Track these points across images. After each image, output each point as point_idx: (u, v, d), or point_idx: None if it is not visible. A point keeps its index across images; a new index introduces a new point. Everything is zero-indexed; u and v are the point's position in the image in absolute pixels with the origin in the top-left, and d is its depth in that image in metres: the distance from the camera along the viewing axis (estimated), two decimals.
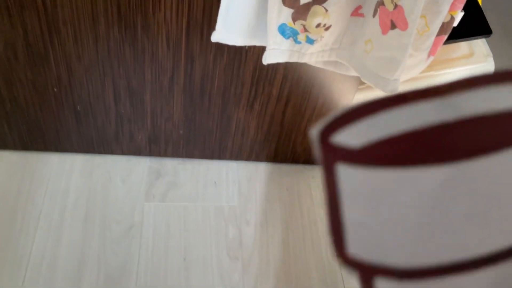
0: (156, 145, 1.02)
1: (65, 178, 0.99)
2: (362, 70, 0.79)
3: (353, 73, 0.82)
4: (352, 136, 0.17)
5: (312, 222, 1.01)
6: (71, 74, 0.87)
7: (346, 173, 0.17)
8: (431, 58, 0.83)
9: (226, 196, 1.02)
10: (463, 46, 1.02)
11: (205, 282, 0.89)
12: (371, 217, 0.19)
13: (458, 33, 1.02)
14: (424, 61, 0.80)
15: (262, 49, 0.77)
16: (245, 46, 0.84)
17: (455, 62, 1.01)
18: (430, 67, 0.96)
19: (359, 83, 0.93)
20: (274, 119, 0.98)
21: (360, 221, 0.19)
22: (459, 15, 0.80)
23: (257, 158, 1.07)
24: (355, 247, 0.20)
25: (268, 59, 0.76)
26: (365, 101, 0.19)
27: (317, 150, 0.20)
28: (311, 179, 1.08)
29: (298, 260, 0.95)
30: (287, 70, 0.89)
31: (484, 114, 0.16)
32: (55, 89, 0.89)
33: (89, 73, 0.87)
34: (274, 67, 0.88)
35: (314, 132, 0.20)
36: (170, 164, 1.05)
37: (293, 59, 0.77)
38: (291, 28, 0.71)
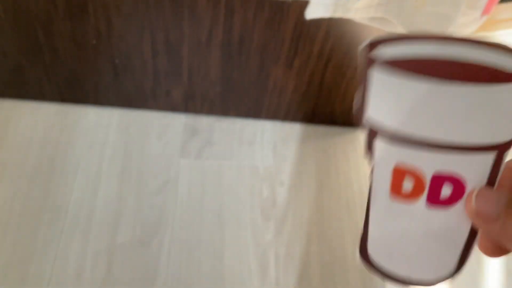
0: (193, 102, 1.02)
1: (103, 132, 0.99)
2: (411, 27, 0.75)
3: (401, 30, 0.78)
4: (387, 52, 0.24)
5: (348, 185, 0.99)
6: (110, 26, 0.86)
7: (377, 74, 0.25)
8: (485, 17, 0.78)
9: (261, 156, 1.01)
10: None
11: (238, 240, 0.89)
12: (383, 97, 0.26)
13: None
14: (477, 20, 0.76)
15: (305, 4, 0.73)
16: (288, 0, 0.81)
17: (510, 23, 0.95)
18: (482, 27, 0.91)
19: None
20: (314, 78, 0.96)
21: (375, 99, 0.26)
22: None
23: (294, 119, 1.05)
24: (369, 111, 0.26)
25: (310, 13, 0.73)
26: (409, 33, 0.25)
27: (360, 57, 0.25)
28: (349, 141, 1.05)
29: (332, 222, 0.94)
30: (330, 26, 0.85)
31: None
32: (94, 41, 0.89)
33: (127, 25, 0.85)
34: (317, 23, 0.84)
35: (365, 42, 0.25)
36: (206, 122, 1.04)
37: (338, 14, 0.74)
38: None
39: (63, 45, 0.90)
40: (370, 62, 0.26)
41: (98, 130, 1.00)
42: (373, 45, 0.26)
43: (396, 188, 0.27)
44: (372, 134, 0.27)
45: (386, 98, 0.26)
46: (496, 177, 0.26)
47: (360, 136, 1.07)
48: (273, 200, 0.95)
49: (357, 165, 1.02)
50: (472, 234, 0.27)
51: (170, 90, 0.99)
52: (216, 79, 0.96)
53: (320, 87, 0.98)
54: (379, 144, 0.27)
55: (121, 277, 0.83)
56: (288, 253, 0.89)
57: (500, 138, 0.25)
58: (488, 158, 0.25)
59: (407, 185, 0.27)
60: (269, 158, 1.01)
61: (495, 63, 0.24)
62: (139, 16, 0.84)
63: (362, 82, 0.26)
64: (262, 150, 1.02)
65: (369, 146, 0.28)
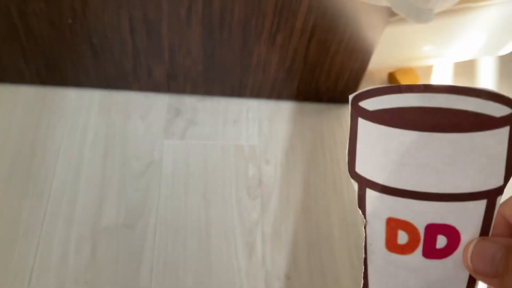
0: (175, 82, 1.00)
1: (84, 114, 0.97)
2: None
3: (384, 3, 0.76)
4: (373, 104, 0.25)
5: (334, 162, 0.98)
6: (85, 5, 0.83)
7: (363, 124, 0.25)
8: None
9: (246, 135, 1.00)
10: None
11: (224, 220, 0.89)
12: (371, 149, 0.26)
13: None
14: None
15: None
16: None
17: None
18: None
19: (390, 15, 0.87)
20: (297, 54, 0.94)
21: (364, 151, 0.26)
22: None
23: (279, 96, 1.04)
24: (358, 166, 0.26)
25: None
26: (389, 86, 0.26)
27: (350, 109, 0.26)
28: (335, 118, 1.04)
29: (318, 200, 0.93)
30: (312, 1, 0.83)
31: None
32: (69, 21, 0.86)
33: (103, 3, 0.83)
34: None
35: (351, 96, 0.27)
36: (189, 101, 1.02)
37: None
38: None
39: (38, 26, 0.87)
40: (357, 113, 0.26)
41: (79, 112, 0.98)
42: (360, 97, 0.26)
43: (391, 241, 0.27)
44: (363, 188, 0.27)
45: (373, 150, 0.26)
46: (490, 224, 0.25)
47: (346, 113, 1.05)
48: (259, 179, 0.94)
49: (344, 143, 1.01)
50: (471, 281, 0.26)
51: (152, 70, 0.97)
52: (198, 57, 0.94)
53: (304, 63, 0.96)
54: (370, 198, 0.27)
55: (106, 260, 0.82)
56: (274, 231, 0.88)
57: (490, 184, 0.25)
58: (480, 206, 0.25)
59: (402, 237, 0.26)
60: (255, 137, 1.00)
61: (480, 109, 0.24)
62: None
63: (351, 134, 0.27)
64: (247, 129, 1.00)
65: (360, 200, 0.27)
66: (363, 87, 1.08)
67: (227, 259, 0.85)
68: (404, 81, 1.09)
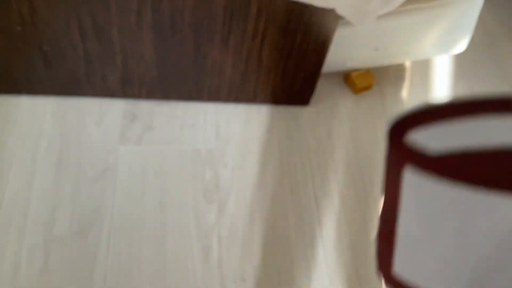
0: (130, 87, 0.99)
1: (38, 121, 0.96)
2: (338, 2, 0.74)
3: (329, 5, 0.77)
4: (431, 139, 0.14)
5: (291, 165, 0.99)
6: (33, 11, 0.82)
7: (414, 180, 0.15)
8: None
9: (203, 139, 1.00)
10: None
11: (180, 224, 0.88)
12: (430, 238, 0.16)
13: None
14: None
15: None
16: None
17: None
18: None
19: (340, 18, 0.88)
20: (251, 57, 0.94)
21: (415, 239, 0.16)
22: None
23: (236, 99, 1.04)
24: (402, 266, 0.17)
25: None
26: (456, 100, 0.15)
27: (387, 147, 0.16)
28: (292, 120, 1.05)
29: (275, 203, 0.94)
30: (261, 4, 0.84)
31: None
32: (18, 28, 0.85)
33: (51, 10, 0.82)
34: (247, 0, 0.83)
35: (387, 126, 0.17)
36: (145, 107, 1.02)
37: None
38: None
39: None
40: (400, 161, 0.16)
41: (32, 120, 0.96)
42: (401, 126, 0.17)
43: None
44: None
45: (437, 237, 0.16)
46: None
47: (303, 114, 1.06)
48: (216, 182, 0.94)
49: (300, 145, 1.02)
50: None
51: (106, 75, 0.96)
52: (152, 62, 0.94)
53: (258, 66, 0.96)
54: None
55: (58, 269, 0.81)
56: (231, 234, 0.89)
57: None
58: None
59: None
60: (212, 140, 1.00)
61: None
62: (63, 0, 0.81)
63: (385, 207, 0.18)
64: (204, 133, 1.01)
65: None
66: (320, 89, 1.09)
67: (183, 263, 0.84)
68: (360, 82, 1.11)
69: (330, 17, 0.87)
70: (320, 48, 0.94)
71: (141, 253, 0.84)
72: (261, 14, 0.86)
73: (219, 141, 1.00)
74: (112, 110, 1.00)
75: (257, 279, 0.85)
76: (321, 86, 1.09)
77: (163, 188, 0.92)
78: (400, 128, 0.17)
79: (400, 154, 0.16)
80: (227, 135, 1.01)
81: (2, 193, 0.87)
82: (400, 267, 0.18)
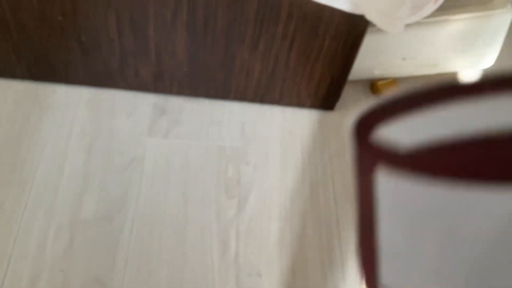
0: (162, 82, 1.03)
1: (72, 109, 1.01)
2: (367, 7, 0.76)
3: (360, 11, 0.79)
4: (402, 133, 0.13)
5: (312, 167, 1.01)
6: (75, 3, 0.87)
7: (388, 182, 0.13)
8: (440, 1, 0.79)
9: (228, 136, 1.02)
10: None
11: (201, 217, 0.91)
12: (416, 245, 0.14)
13: None
14: (432, 2, 0.77)
15: None
16: None
17: (473, 8, 0.96)
18: (444, 10, 0.92)
19: (369, 25, 0.90)
20: (279, 60, 0.97)
21: (399, 247, 0.14)
22: None
23: (262, 100, 1.07)
24: (389, 278, 0.15)
25: None
26: (425, 87, 0.14)
27: (352, 147, 0.15)
28: (316, 124, 1.07)
29: (294, 202, 0.96)
30: (292, 7, 0.86)
31: None
32: (60, 18, 0.90)
33: (92, 2, 0.86)
34: (279, 3, 0.86)
35: (351, 123, 0.15)
36: (175, 102, 1.05)
37: None
38: None
39: (30, 22, 0.91)
40: (372, 160, 0.14)
41: (67, 107, 1.01)
42: (365, 124, 0.15)
43: None
44: None
45: (419, 238, 0.15)
46: None
47: (327, 119, 1.08)
48: (238, 179, 0.97)
49: (322, 148, 1.04)
50: None
51: (139, 70, 1.00)
52: (183, 59, 0.97)
53: (286, 69, 0.99)
54: None
55: (82, 251, 0.84)
56: (249, 230, 0.91)
57: None
58: None
59: None
60: (236, 138, 1.02)
61: None
62: None
63: (361, 210, 0.16)
64: (229, 131, 1.03)
65: None
66: (345, 95, 1.11)
67: (201, 254, 0.87)
68: (386, 92, 1.12)
69: (359, 22, 0.89)
70: (348, 53, 0.96)
71: (161, 242, 0.87)
72: (292, 17, 0.88)
73: (243, 139, 1.02)
74: (143, 103, 1.04)
75: (272, 275, 0.87)
76: (347, 92, 1.11)
77: (187, 181, 0.95)
78: (366, 125, 0.15)
79: (369, 154, 0.14)
80: (251, 134, 1.03)
81: (35, 173, 0.91)
82: (388, 279, 0.16)
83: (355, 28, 0.90)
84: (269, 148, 1.02)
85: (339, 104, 1.09)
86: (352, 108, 1.11)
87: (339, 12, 0.85)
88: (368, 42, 0.98)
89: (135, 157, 0.96)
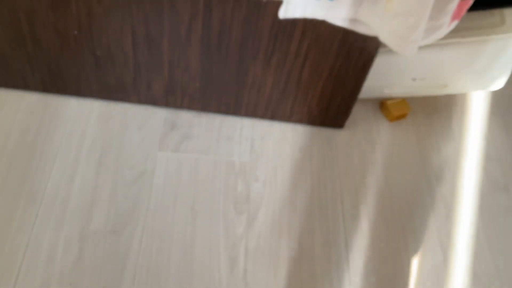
0: (173, 97, 1.03)
1: (83, 122, 1.01)
2: (381, 29, 0.77)
3: (373, 32, 0.80)
4: None
5: (321, 185, 1.01)
6: (91, 18, 0.88)
7: None
8: (455, 23, 0.80)
9: (238, 152, 1.03)
10: (494, 14, 0.98)
11: (210, 232, 0.91)
12: None
13: (490, 1, 0.98)
14: (446, 25, 0.78)
15: (280, 3, 0.75)
16: (262, 0, 0.83)
17: (484, 30, 0.97)
18: (456, 33, 0.93)
19: (380, 45, 0.91)
20: (291, 77, 0.97)
21: None
22: None
23: (272, 117, 1.07)
24: None
25: (283, 13, 0.75)
26: None
27: None
28: (325, 141, 1.07)
29: (303, 220, 0.95)
30: (306, 26, 0.87)
31: None
32: (75, 32, 0.91)
33: (108, 17, 0.87)
34: (293, 22, 0.86)
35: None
36: (185, 116, 1.06)
37: (308, 14, 0.76)
38: None
39: (45, 36, 0.92)
40: None
41: (78, 120, 1.01)
42: None
43: None
44: None
45: None
46: None
47: (337, 137, 1.08)
48: (247, 195, 0.97)
49: (332, 166, 1.04)
50: None
51: (151, 83, 1.01)
52: (196, 74, 0.98)
53: (297, 86, 1.00)
54: None
55: (92, 264, 0.84)
56: (257, 246, 0.91)
57: None
58: None
59: None
60: (246, 154, 1.03)
61: None
62: (119, 9, 0.86)
63: None
64: (239, 146, 1.04)
65: None
66: (355, 114, 1.11)
67: (209, 270, 0.87)
68: (395, 111, 1.12)
69: (371, 43, 0.90)
70: (359, 73, 0.97)
71: (170, 257, 0.87)
72: (305, 36, 0.89)
73: (253, 155, 1.03)
74: (154, 117, 1.04)
75: None
76: (357, 111, 1.11)
77: (196, 196, 0.95)
78: None
79: None
80: (261, 150, 1.04)
81: (45, 185, 0.91)
82: None
83: (367, 48, 0.91)
84: (278, 164, 1.02)
85: (348, 122, 1.10)
86: (362, 126, 1.11)
87: (352, 33, 0.86)
88: (379, 62, 0.99)
89: (144, 171, 0.97)
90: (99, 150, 0.98)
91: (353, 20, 0.80)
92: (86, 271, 0.83)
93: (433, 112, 1.17)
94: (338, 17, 0.79)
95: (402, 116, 1.14)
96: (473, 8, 0.81)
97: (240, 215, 0.94)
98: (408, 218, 0.99)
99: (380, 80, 1.06)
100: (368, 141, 1.09)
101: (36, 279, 0.81)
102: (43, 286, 0.81)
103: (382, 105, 1.14)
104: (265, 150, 1.04)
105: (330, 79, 0.97)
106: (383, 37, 0.78)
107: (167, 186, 0.95)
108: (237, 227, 0.93)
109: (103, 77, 0.99)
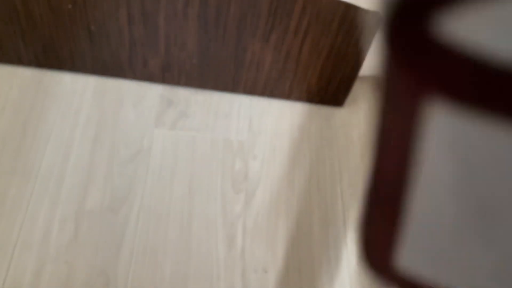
0: (170, 73, 1.01)
1: (78, 98, 0.99)
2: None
3: (376, 6, 0.78)
4: (467, 30, 0.08)
5: (320, 163, 1.00)
6: None
7: (444, 119, 0.09)
8: None
9: (236, 130, 1.01)
10: None
11: (207, 211, 0.90)
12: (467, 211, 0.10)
13: None
14: None
15: None
16: None
17: None
18: None
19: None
20: (290, 54, 0.96)
21: (442, 216, 0.10)
22: None
23: (271, 95, 1.06)
24: (413, 256, 0.11)
25: None
26: None
27: (383, 53, 0.09)
28: (324, 120, 1.06)
29: (301, 199, 0.95)
30: (306, 2, 0.85)
31: None
32: (69, 6, 0.88)
33: None
34: None
35: (381, 16, 0.09)
36: (182, 94, 1.04)
37: None
38: None
39: (39, 10, 0.89)
40: (419, 79, 0.10)
41: (73, 96, 0.99)
42: (411, 18, 0.09)
43: None
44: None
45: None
46: None
47: (336, 115, 1.07)
48: (245, 173, 0.96)
49: (331, 145, 1.03)
50: None
51: (147, 60, 0.98)
52: (193, 51, 0.96)
53: (297, 64, 0.98)
54: None
55: (87, 242, 0.83)
56: (255, 225, 0.90)
57: None
58: None
59: None
60: (244, 132, 1.01)
61: None
62: None
63: (396, 145, 0.11)
64: (237, 124, 1.02)
65: None
66: (355, 92, 1.09)
67: (207, 249, 0.86)
68: None
69: (373, 19, 0.88)
70: (360, 50, 0.95)
71: (167, 236, 0.86)
72: (305, 11, 0.87)
73: (251, 133, 1.01)
74: (150, 94, 1.02)
75: (278, 271, 0.86)
76: (356, 89, 1.10)
77: (193, 174, 0.94)
78: (406, 18, 0.09)
79: (417, 71, 0.09)
80: (259, 129, 1.02)
81: (40, 163, 0.90)
82: (411, 256, 0.13)
83: (368, 25, 0.89)
84: (276, 143, 1.01)
85: (348, 100, 1.08)
86: (361, 104, 1.10)
87: (354, 8, 0.84)
88: (379, 40, 0.97)
89: (141, 149, 0.95)
90: (94, 127, 0.96)
91: None
92: (82, 250, 0.83)
93: None
94: None
95: None
96: None
97: (237, 193, 0.93)
98: None
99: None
100: (368, 120, 1.08)
101: (31, 257, 0.80)
102: (38, 264, 0.80)
103: None
104: (263, 128, 1.02)
105: (330, 56, 0.96)
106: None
107: (164, 164, 0.94)
108: (234, 205, 0.92)
109: (98, 52, 0.97)
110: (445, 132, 0.10)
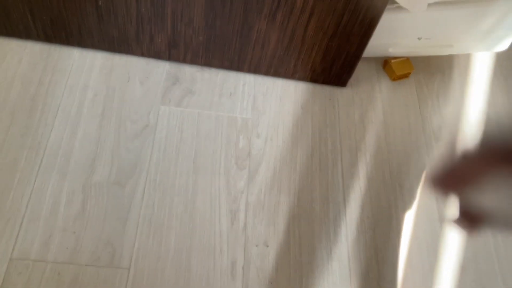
0: (176, 50, 1.02)
1: (85, 73, 1.01)
2: None
3: None
4: None
5: (322, 143, 1.01)
6: None
7: None
8: None
9: (240, 108, 1.03)
10: None
11: (211, 186, 0.92)
12: None
13: None
14: None
15: None
16: None
17: None
18: None
19: (388, 1, 0.89)
20: (296, 33, 0.96)
21: None
22: None
23: (276, 74, 1.07)
24: None
25: None
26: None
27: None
28: (327, 99, 1.07)
29: (303, 176, 0.97)
30: None
31: None
32: None
33: None
34: None
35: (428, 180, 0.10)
36: (188, 71, 1.05)
37: None
38: None
39: None
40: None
41: (81, 71, 1.01)
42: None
43: None
44: None
45: None
46: None
47: (339, 95, 1.08)
48: (249, 150, 0.98)
49: (333, 124, 1.04)
50: None
51: (154, 36, 0.99)
52: (199, 28, 0.97)
53: (302, 43, 0.98)
54: None
55: (95, 214, 0.86)
56: (258, 201, 0.92)
57: None
58: None
59: None
60: (248, 111, 1.03)
61: None
62: None
63: None
64: (242, 102, 1.04)
65: None
66: (358, 72, 1.11)
67: (210, 223, 0.89)
68: (398, 70, 1.12)
69: (379, 0, 0.89)
70: (365, 31, 0.95)
71: (171, 209, 0.89)
72: None
73: (255, 111, 1.03)
74: (157, 71, 1.04)
75: (278, 246, 0.88)
76: (360, 69, 1.11)
77: (198, 150, 0.96)
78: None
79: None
80: (263, 107, 1.04)
81: (48, 137, 0.92)
82: None
83: (374, 5, 0.90)
84: (280, 121, 1.03)
85: (351, 80, 1.09)
86: (364, 85, 1.11)
87: None
88: (385, 20, 0.97)
89: (147, 124, 0.97)
90: (101, 102, 0.98)
91: None
92: (89, 221, 0.85)
93: (436, 72, 1.17)
94: None
95: (405, 76, 1.13)
96: None
97: (241, 170, 0.95)
98: (405, 177, 1.01)
99: (386, 38, 1.05)
100: (370, 100, 1.09)
101: (39, 228, 0.83)
102: (46, 234, 0.82)
103: (386, 63, 1.13)
104: (267, 107, 1.04)
105: (335, 36, 0.96)
106: None
107: (169, 140, 0.96)
108: (238, 181, 0.94)
109: (105, 28, 0.98)
110: None
